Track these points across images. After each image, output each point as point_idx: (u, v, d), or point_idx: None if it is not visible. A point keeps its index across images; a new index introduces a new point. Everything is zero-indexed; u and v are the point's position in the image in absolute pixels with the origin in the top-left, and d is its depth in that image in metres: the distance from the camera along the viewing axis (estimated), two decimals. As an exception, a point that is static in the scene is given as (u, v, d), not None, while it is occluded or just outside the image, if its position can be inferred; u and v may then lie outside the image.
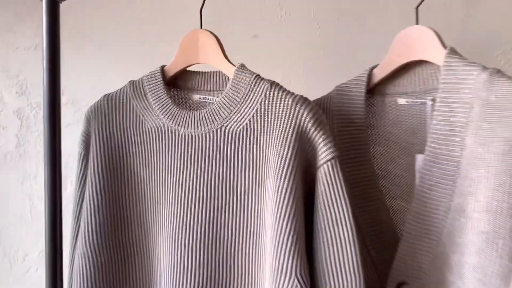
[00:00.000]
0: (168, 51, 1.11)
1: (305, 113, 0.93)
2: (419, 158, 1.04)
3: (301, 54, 1.51)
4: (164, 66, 1.07)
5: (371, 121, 1.09)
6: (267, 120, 0.96)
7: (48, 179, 0.93)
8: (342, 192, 0.91)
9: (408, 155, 1.07)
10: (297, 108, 0.93)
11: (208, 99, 1.06)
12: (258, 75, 1.00)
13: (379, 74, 1.08)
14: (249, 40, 1.50)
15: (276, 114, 0.95)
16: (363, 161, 1.06)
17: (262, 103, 0.97)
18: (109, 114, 1.07)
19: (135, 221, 1.06)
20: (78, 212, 1.09)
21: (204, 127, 1.00)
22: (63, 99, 1.54)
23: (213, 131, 1.00)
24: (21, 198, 1.56)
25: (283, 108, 0.95)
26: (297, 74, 1.51)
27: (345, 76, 1.52)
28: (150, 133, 1.04)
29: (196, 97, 1.07)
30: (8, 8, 1.56)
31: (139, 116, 1.06)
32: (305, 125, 0.93)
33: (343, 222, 0.90)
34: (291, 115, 0.94)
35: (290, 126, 0.93)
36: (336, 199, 0.91)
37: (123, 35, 1.52)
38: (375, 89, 1.10)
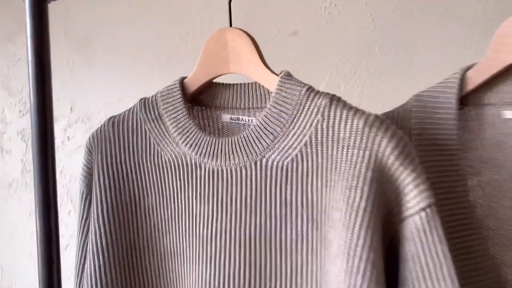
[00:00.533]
0: (191, 55, 0.83)
1: (385, 141, 0.63)
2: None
3: (351, 53, 1.20)
4: (183, 78, 0.79)
5: (467, 141, 0.78)
6: (327, 150, 0.67)
7: (41, 227, 0.67)
8: (444, 258, 0.61)
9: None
10: (372, 134, 0.64)
11: (243, 120, 0.76)
12: (311, 86, 0.70)
13: (476, 78, 0.78)
14: (286, 38, 1.20)
15: (340, 142, 0.66)
16: (458, 198, 0.75)
17: (319, 126, 0.67)
18: (115, 143, 0.79)
19: (149, 280, 0.78)
20: (80, 269, 0.82)
21: (239, 158, 0.71)
22: (73, 116, 1.27)
23: (250, 164, 0.71)
24: (29, 233, 1.30)
25: (350, 133, 0.65)
26: (347, 77, 1.21)
27: (409, 78, 1.21)
28: (169, 167, 0.76)
29: (226, 117, 0.78)
30: (7, 13, 1.30)
31: (154, 145, 0.77)
32: (385, 158, 0.63)
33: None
34: (364, 144, 0.64)
35: (362, 160, 0.64)
36: (435, 269, 0.61)
37: (138, 38, 1.24)
38: (469, 98, 0.79)
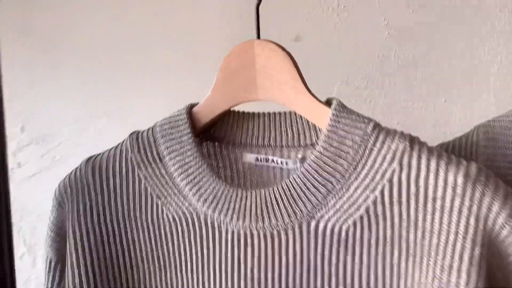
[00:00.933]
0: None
1: (496, 205, 0.44)
2: None
3: (363, 62, 1.00)
4: (192, 106, 0.57)
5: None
6: (408, 213, 0.47)
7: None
8: None
9: None
10: (477, 194, 0.44)
11: (274, 162, 0.55)
12: (378, 123, 0.50)
13: None
14: (288, 44, 0.98)
15: (430, 203, 0.46)
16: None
17: (396, 178, 0.47)
18: (97, 195, 0.57)
19: None
20: None
21: (276, 219, 0.51)
22: (24, 138, 1.02)
23: (293, 227, 0.50)
24: None
25: (445, 191, 0.46)
26: (358, 91, 1.01)
27: (429, 92, 1.01)
28: (174, 228, 0.55)
29: (250, 157, 0.57)
30: None
31: (152, 198, 0.55)
32: (497, 229, 0.44)
33: None
34: (467, 207, 0.45)
35: (466, 231, 0.45)
36: None
37: (116, 39, 0.99)
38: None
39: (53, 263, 0.59)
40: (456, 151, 0.63)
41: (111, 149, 0.58)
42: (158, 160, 0.56)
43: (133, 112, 0.99)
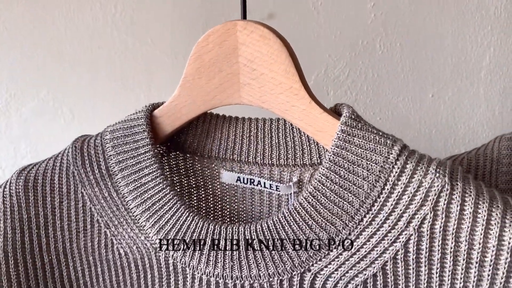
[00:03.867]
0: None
1: None
2: None
3: (344, 49, 0.80)
4: (154, 107, 0.36)
5: None
6: (441, 277, 0.28)
7: None
8: None
9: None
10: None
11: (262, 184, 0.36)
12: (405, 146, 0.30)
13: None
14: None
15: (473, 269, 0.27)
16: None
17: (425, 228, 0.28)
18: (30, 217, 0.36)
19: None
20: None
21: (259, 268, 0.31)
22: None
23: (280, 280, 0.31)
24: None
25: (496, 256, 0.27)
26: (338, 81, 0.81)
27: (417, 84, 0.82)
28: (125, 266, 0.35)
29: (229, 176, 0.37)
30: None
31: (99, 226, 0.36)
32: None
33: None
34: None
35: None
36: None
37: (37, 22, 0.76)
38: None
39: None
40: (472, 168, 0.45)
41: (49, 159, 0.38)
42: (107, 178, 0.36)
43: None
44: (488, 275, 0.27)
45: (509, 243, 0.27)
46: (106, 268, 0.36)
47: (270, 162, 0.36)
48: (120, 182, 0.35)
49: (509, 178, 0.43)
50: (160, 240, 0.34)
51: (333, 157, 0.31)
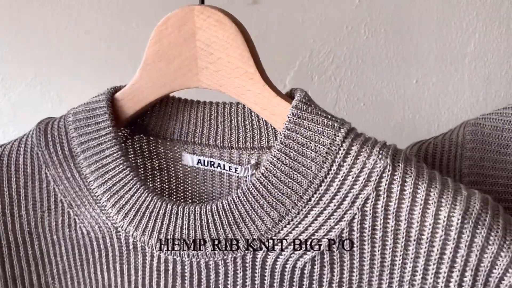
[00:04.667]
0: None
1: (504, 260, 0.26)
2: None
3: (329, 34, 0.80)
4: (115, 90, 0.37)
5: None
6: (383, 255, 0.29)
7: None
8: None
9: None
10: (477, 242, 0.27)
11: (222, 166, 0.37)
12: (352, 128, 0.31)
13: None
14: (242, 9, 0.76)
15: (411, 248, 0.28)
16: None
17: (368, 208, 0.29)
18: (-4, 196, 0.38)
19: None
20: None
21: (213, 247, 0.32)
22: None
23: (233, 259, 0.32)
24: None
25: (433, 234, 0.28)
26: (322, 66, 0.81)
27: (402, 70, 0.82)
28: (88, 245, 0.36)
29: (190, 159, 0.38)
30: None
31: (63, 205, 0.37)
32: (496, 281, 0.26)
33: None
34: (462, 259, 0.27)
35: (460, 284, 0.26)
36: None
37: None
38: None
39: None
40: (437, 153, 0.45)
41: (14, 141, 0.39)
42: (70, 159, 0.37)
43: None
44: (425, 252, 0.28)
45: (443, 222, 0.28)
46: (69, 246, 0.37)
47: (229, 145, 0.37)
48: (82, 163, 0.36)
49: (472, 162, 0.44)
50: (121, 219, 0.35)
51: (283, 140, 0.32)
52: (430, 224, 0.28)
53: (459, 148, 0.44)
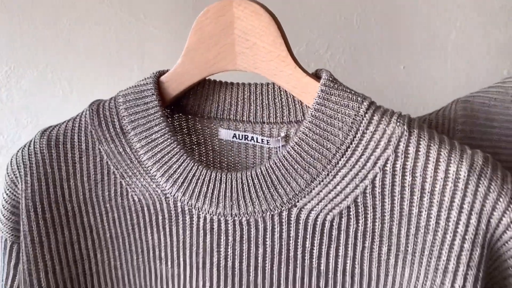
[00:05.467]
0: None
1: (503, 203, 0.33)
2: None
3: (326, 25, 0.86)
4: (160, 73, 0.42)
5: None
6: (401, 206, 0.35)
7: None
8: None
9: None
10: (482, 190, 0.33)
11: (254, 139, 0.42)
12: (373, 102, 0.37)
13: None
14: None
15: (427, 197, 0.34)
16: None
17: (389, 167, 0.35)
18: (53, 172, 0.42)
19: None
20: None
21: (253, 206, 0.38)
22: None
23: (272, 215, 0.38)
24: None
25: (444, 185, 0.34)
26: (318, 54, 0.87)
27: (392, 58, 0.88)
28: (140, 211, 0.41)
29: (226, 134, 0.43)
30: None
31: (115, 177, 0.41)
32: (501, 228, 0.33)
33: None
34: (469, 204, 0.33)
35: (466, 230, 0.33)
36: None
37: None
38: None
39: (8, 244, 0.45)
40: (432, 126, 0.52)
41: (68, 121, 0.43)
42: (121, 135, 0.41)
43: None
44: (437, 201, 0.34)
45: (453, 175, 0.34)
46: (121, 213, 0.42)
47: (261, 120, 0.42)
48: (133, 139, 0.41)
49: (463, 135, 0.50)
50: (170, 186, 0.40)
51: (314, 113, 0.37)
52: (441, 178, 0.34)
53: (452, 122, 0.51)
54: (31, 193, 0.42)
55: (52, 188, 0.42)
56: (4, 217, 0.44)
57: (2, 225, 0.45)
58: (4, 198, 0.44)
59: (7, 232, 0.45)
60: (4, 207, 0.44)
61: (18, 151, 0.43)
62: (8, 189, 0.43)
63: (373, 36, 0.87)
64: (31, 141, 0.43)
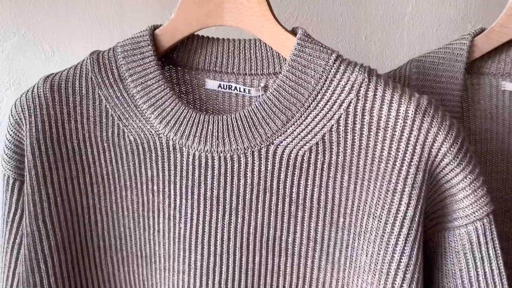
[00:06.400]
0: None
1: (441, 136, 0.40)
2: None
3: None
4: (155, 27, 0.47)
5: (464, 112, 0.59)
6: (360, 141, 0.42)
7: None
8: (500, 277, 0.42)
9: None
10: (425, 125, 0.40)
11: (237, 89, 0.48)
12: (340, 55, 0.43)
13: (484, 46, 0.57)
14: None
15: (381, 132, 0.42)
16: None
17: (352, 108, 0.42)
18: (56, 114, 0.46)
19: None
20: (9, 282, 0.51)
21: (237, 144, 0.44)
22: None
23: (252, 152, 0.44)
24: None
25: (396, 122, 0.41)
26: (288, 24, 0.92)
27: (355, 29, 0.95)
28: (135, 149, 0.46)
29: (212, 84, 0.48)
30: None
31: (113, 119, 0.46)
32: (440, 156, 0.40)
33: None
34: (414, 137, 0.41)
35: (411, 158, 0.41)
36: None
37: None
38: (472, 66, 0.59)
39: (11, 181, 0.49)
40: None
41: (70, 68, 0.47)
42: (119, 82, 0.46)
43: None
44: (390, 136, 0.41)
45: (403, 114, 0.41)
46: (118, 152, 0.47)
47: (244, 72, 0.48)
48: (129, 85, 0.46)
49: (416, 89, 0.58)
50: (163, 127, 0.45)
51: (291, 63, 0.43)
52: (393, 116, 0.41)
53: (407, 79, 0.58)
54: (35, 132, 0.46)
55: (55, 128, 0.47)
56: (8, 156, 0.48)
57: (5, 164, 0.49)
58: (7, 138, 0.48)
59: (10, 170, 0.49)
60: (7, 147, 0.48)
61: (22, 95, 0.47)
62: (11, 130, 0.47)
63: (338, 8, 0.93)
64: (34, 85, 0.47)
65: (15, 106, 0.47)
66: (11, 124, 0.47)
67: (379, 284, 0.42)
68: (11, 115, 0.47)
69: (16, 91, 0.82)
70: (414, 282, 0.41)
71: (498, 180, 0.59)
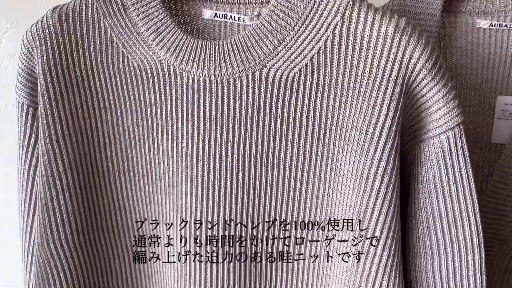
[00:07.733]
0: None
1: (417, 52, 0.44)
2: (502, 100, 0.61)
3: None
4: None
5: (442, 49, 0.62)
6: (345, 60, 0.46)
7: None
8: (468, 181, 0.47)
9: (485, 96, 0.63)
10: (403, 43, 0.44)
11: (232, 18, 0.51)
12: (327, -19, 0.46)
13: (461, -16, 0.60)
14: None
15: (364, 51, 0.45)
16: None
17: (337, 30, 0.45)
18: (64, 42, 0.49)
19: (118, 205, 0.55)
20: (28, 202, 0.55)
21: (232, 68, 0.47)
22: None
23: (247, 75, 0.47)
24: None
25: (377, 41, 0.44)
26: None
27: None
28: (138, 74, 0.50)
29: (208, 13, 0.51)
30: None
31: (118, 46, 0.49)
32: (416, 71, 0.44)
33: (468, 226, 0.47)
34: (393, 54, 0.44)
35: (390, 73, 0.44)
36: (458, 192, 0.47)
37: None
38: (450, 5, 0.62)
39: (25, 107, 0.52)
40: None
41: (75, 0, 0.50)
42: (122, 11, 0.49)
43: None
44: (372, 54, 0.45)
45: (383, 33, 0.44)
46: (123, 77, 0.50)
47: (238, 1, 0.51)
48: (132, 14, 0.48)
49: (397, 27, 0.61)
50: (164, 53, 0.48)
51: (281, -9, 0.46)
52: (375, 36, 0.44)
53: (389, 17, 0.61)
54: (46, 59, 0.49)
55: (64, 56, 0.49)
56: (21, 84, 0.51)
57: (19, 91, 0.52)
58: (20, 67, 0.51)
59: (23, 97, 0.52)
60: (20, 75, 0.51)
61: (32, 25, 0.50)
62: (24, 59, 0.50)
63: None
64: (43, 16, 0.50)
65: (26, 36, 0.49)
66: (23, 53, 0.50)
67: (360, 188, 0.46)
68: (23, 44, 0.50)
69: (13, 33, 0.82)
70: (391, 184, 0.45)
71: (471, 113, 0.63)
